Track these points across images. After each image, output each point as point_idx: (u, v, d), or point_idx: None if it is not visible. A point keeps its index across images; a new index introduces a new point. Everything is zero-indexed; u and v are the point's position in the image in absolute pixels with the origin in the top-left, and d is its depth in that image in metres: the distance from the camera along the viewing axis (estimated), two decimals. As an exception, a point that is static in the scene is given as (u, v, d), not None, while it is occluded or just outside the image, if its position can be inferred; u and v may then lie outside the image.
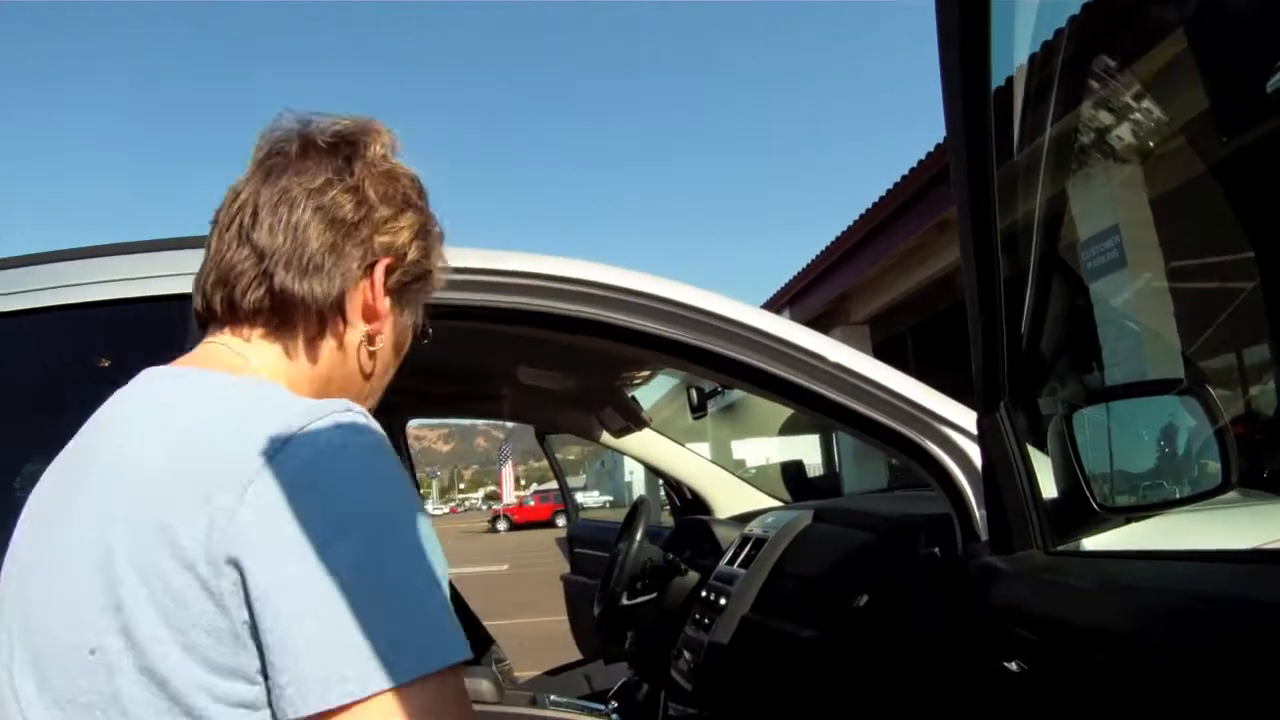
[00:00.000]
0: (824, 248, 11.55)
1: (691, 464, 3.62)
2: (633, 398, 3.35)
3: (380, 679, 0.66)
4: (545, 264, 1.51)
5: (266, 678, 0.68)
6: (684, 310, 1.50)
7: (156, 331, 1.42)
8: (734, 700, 2.23)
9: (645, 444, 3.53)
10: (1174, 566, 1.05)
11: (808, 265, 12.32)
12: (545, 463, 4.73)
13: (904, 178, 8.93)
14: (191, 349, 0.91)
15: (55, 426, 0.93)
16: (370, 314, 0.94)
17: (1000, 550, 1.25)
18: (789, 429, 14.15)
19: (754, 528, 2.58)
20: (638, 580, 2.87)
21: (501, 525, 39.69)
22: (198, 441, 0.75)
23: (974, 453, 1.38)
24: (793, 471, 5.28)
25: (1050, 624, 1.12)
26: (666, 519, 4.20)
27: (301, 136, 0.93)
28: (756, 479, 3.70)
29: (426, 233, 0.98)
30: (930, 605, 1.53)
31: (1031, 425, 1.29)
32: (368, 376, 0.97)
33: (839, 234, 10.97)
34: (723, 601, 2.37)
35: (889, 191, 9.32)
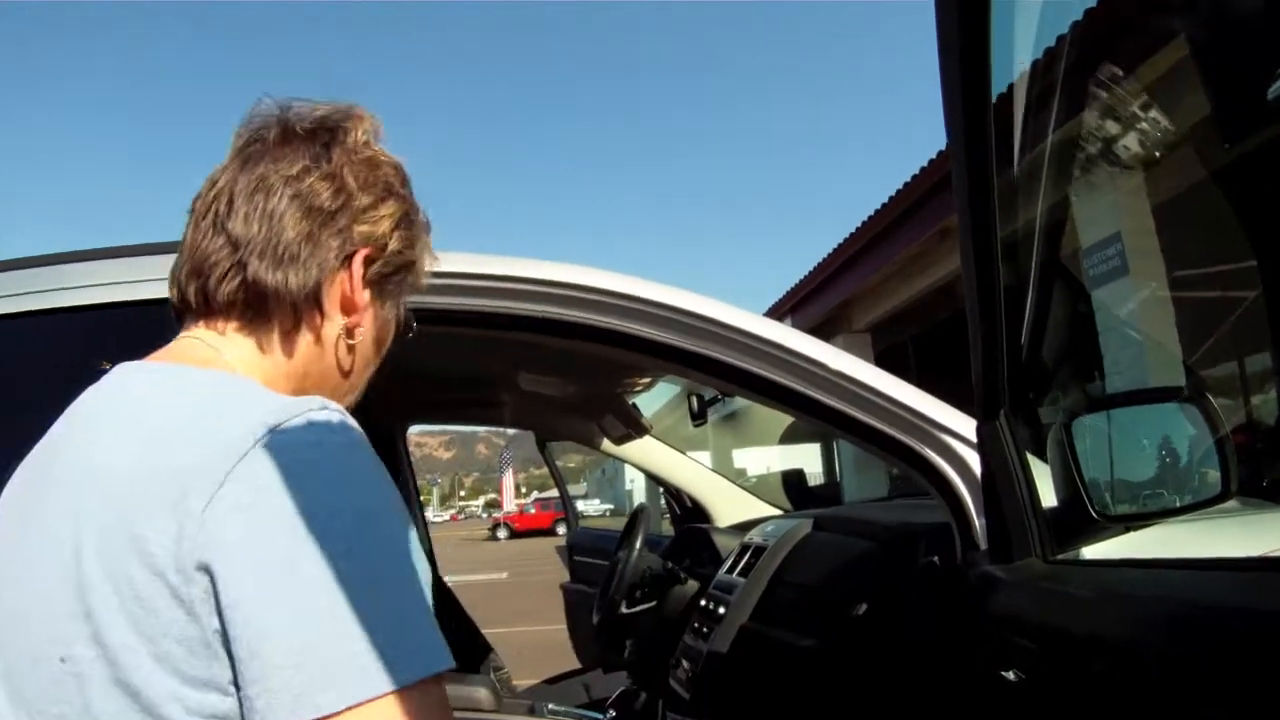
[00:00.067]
0: (826, 255, 11.56)
1: (692, 472, 3.62)
2: (634, 405, 3.35)
3: (357, 691, 0.63)
4: (541, 269, 1.51)
5: (239, 689, 0.65)
6: (683, 316, 1.49)
7: (156, 335, 1.42)
8: (732, 710, 2.21)
9: (646, 452, 3.53)
10: (1173, 575, 1.04)
11: (810, 272, 12.34)
12: (546, 470, 4.72)
13: (906, 185, 8.95)
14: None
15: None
16: (348, 306, 0.90)
17: (999, 559, 1.24)
18: (790, 437, 14.15)
19: (754, 536, 2.57)
20: (637, 589, 2.86)
21: (502, 533, 39.71)
22: (170, 439, 0.72)
23: (974, 461, 1.37)
24: (793, 480, 5.26)
25: (1049, 633, 1.11)
26: (667, 527, 4.19)
27: (281, 123, 0.90)
28: (757, 488, 3.69)
29: (410, 222, 0.95)
30: (929, 614, 1.52)
31: (1031, 433, 1.29)
32: (346, 372, 0.93)
33: (841, 241, 10.99)
34: (722, 610, 2.37)
35: (891, 199, 9.34)
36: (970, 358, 1.15)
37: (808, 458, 15.71)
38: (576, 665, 3.84)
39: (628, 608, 2.84)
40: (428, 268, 0.99)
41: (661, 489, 3.90)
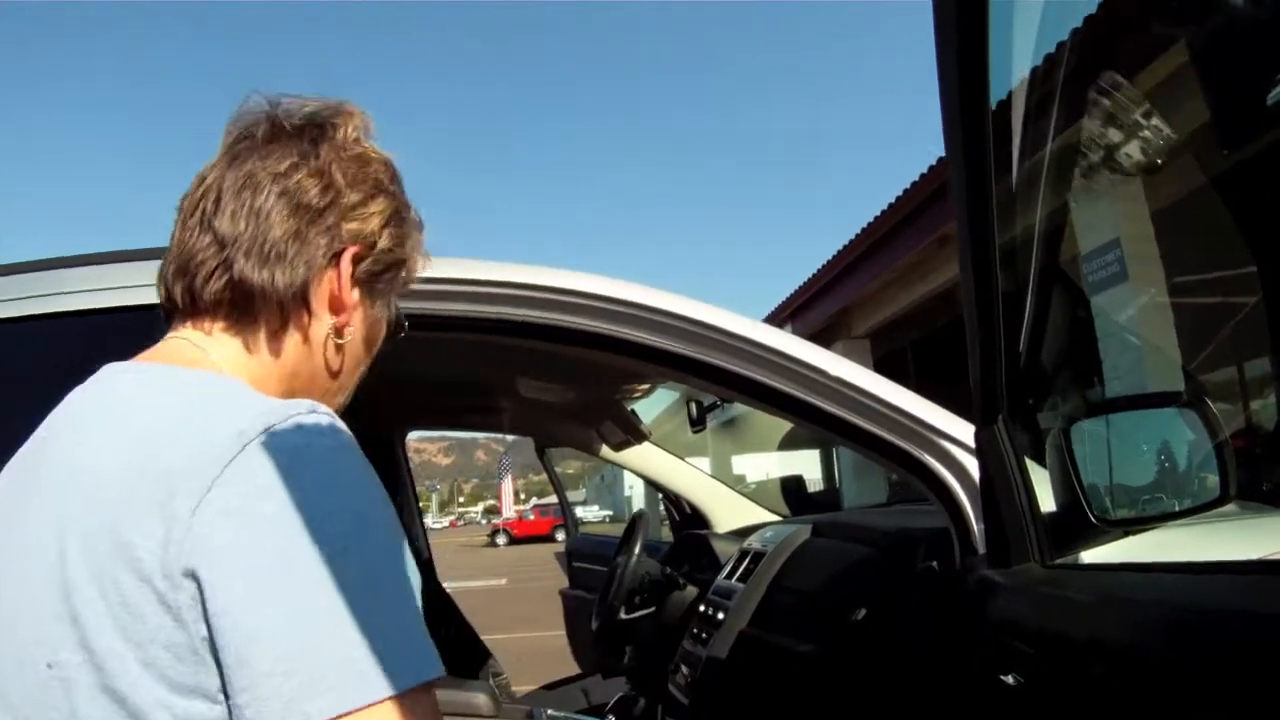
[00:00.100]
0: (826, 262, 11.57)
1: (691, 478, 3.61)
2: (632, 411, 3.35)
3: (345, 700, 0.62)
4: (540, 275, 1.51)
5: (228, 697, 0.64)
6: (682, 322, 1.49)
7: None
8: (731, 715, 2.21)
9: (645, 458, 3.52)
10: (1172, 579, 1.04)
11: (809, 279, 12.36)
12: (545, 476, 4.72)
13: (905, 192, 8.95)
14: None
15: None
16: (337, 305, 0.88)
17: (998, 564, 1.24)
18: (789, 444, 14.13)
19: (753, 542, 2.57)
20: (636, 594, 2.85)
21: (501, 539, 39.64)
22: (156, 442, 0.71)
23: (973, 466, 1.37)
24: (792, 487, 5.26)
25: (1048, 637, 1.11)
26: (666, 533, 4.19)
27: (270, 119, 0.88)
28: (756, 494, 3.69)
29: (400, 220, 0.92)
30: (928, 619, 1.52)
31: (1030, 438, 1.29)
32: (335, 373, 0.91)
33: (841, 248, 11.00)
34: (721, 616, 2.36)
35: (890, 206, 9.35)
36: (969, 363, 1.15)
37: (807, 464, 15.71)
38: (576, 671, 3.84)
39: (627, 613, 2.84)
40: (419, 267, 0.97)
41: (660, 495, 3.90)
